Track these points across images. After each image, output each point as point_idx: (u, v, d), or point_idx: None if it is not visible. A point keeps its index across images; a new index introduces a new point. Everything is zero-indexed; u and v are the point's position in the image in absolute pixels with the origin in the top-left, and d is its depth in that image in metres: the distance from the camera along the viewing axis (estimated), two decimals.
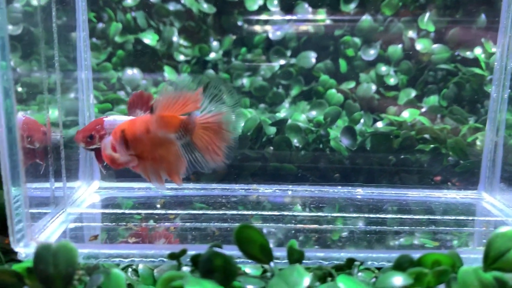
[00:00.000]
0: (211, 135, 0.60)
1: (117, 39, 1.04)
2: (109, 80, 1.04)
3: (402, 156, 0.78)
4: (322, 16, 1.03)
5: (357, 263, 0.46)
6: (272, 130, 0.82)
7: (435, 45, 0.98)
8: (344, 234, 0.56)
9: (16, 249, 0.48)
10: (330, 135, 0.84)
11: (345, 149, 0.80)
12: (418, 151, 0.81)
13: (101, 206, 0.65)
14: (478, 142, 0.81)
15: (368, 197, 0.69)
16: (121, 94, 1.03)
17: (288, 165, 0.74)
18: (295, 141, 0.81)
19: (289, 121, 0.82)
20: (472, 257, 0.47)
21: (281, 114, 0.95)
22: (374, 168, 0.76)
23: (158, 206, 0.65)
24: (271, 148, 0.79)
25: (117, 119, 0.65)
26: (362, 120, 0.98)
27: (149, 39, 1.05)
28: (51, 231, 0.56)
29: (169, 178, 0.59)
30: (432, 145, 0.82)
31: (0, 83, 0.48)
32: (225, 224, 0.58)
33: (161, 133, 0.58)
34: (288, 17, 1.05)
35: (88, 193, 0.70)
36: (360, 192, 0.71)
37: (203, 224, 0.58)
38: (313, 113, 0.97)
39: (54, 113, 0.70)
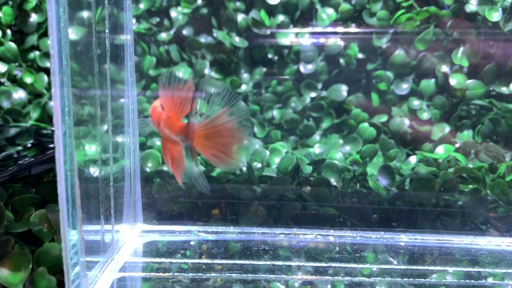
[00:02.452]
0: (215, 141, 0.60)
1: (151, 72, 1.06)
2: (143, 113, 1.05)
3: (443, 198, 0.77)
4: (354, 50, 1.04)
5: None
6: (308, 168, 0.82)
7: (470, 81, 0.97)
8: None
9: None
10: (367, 173, 0.84)
11: (384, 189, 0.80)
12: (458, 192, 0.80)
13: (145, 253, 0.66)
14: None
15: (412, 244, 0.69)
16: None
17: (329, 209, 0.74)
18: (333, 180, 0.81)
19: (326, 160, 0.82)
20: None
21: (315, 149, 0.95)
22: (415, 211, 0.75)
23: (203, 250, 0.65)
24: (309, 187, 0.78)
25: None
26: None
27: (181, 73, 1.06)
28: (101, 282, 0.57)
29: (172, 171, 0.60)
30: (471, 186, 0.81)
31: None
32: (272, 275, 0.58)
33: (166, 131, 0.60)
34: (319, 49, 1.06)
35: (131, 237, 0.70)
36: (403, 239, 0.70)
37: (250, 275, 0.58)
38: (347, 148, 0.97)
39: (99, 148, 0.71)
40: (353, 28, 1.04)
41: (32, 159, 0.72)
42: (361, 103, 1.04)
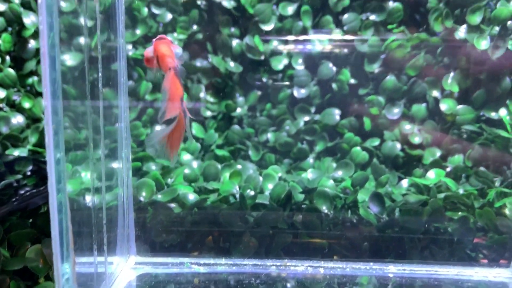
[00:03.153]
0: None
1: (147, 97, 1.08)
2: (138, 137, 1.07)
3: (431, 227, 0.78)
4: (346, 75, 1.06)
5: None
6: (301, 196, 0.84)
7: (460, 106, 0.99)
8: None
9: None
10: (358, 200, 0.85)
11: (374, 217, 0.81)
12: (447, 219, 0.81)
13: (139, 287, 0.67)
14: (507, 211, 0.81)
15: (400, 275, 0.70)
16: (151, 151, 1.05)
17: (320, 239, 0.75)
18: (324, 208, 0.82)
19: (318, 188, 0.84)
20: None
21: (308, 174, 0.96)
22: (404, 239, 0.76)
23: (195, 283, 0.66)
24: (300, 216, 0.80)
25: None
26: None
27: None
28: None
29: None
30: (460, 213, 0.82)
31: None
32: None
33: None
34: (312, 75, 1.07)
35: (125, 270, 0.71)
36: (392, 270, 0.72)
37: None
38: (340, 173, 0.98)
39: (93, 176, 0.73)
40: (345, 54, 1.06)
41: (33, 191, 0.73)
42: (353, 126, 1.06)
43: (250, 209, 0.81)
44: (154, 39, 0.73)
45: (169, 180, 0.94)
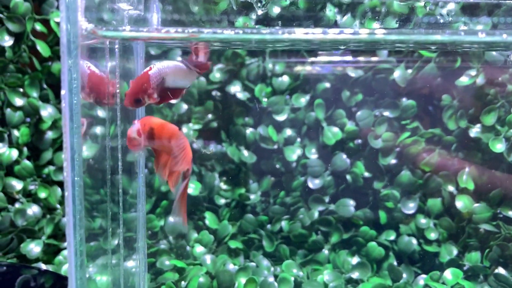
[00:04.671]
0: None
1: (163, 188, 1.08)
2: (152, 230, 1.07)
3: None
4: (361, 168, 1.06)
5: None
6: None
7: (476, 204, 0.98)
8: None
9: None
10: None
11: None
12: None
13: None
14: None
15: None
16: (163, 245, 1.05)
17: None
18: None
19: None
20: None
21: (324, 276, 0.95)
22: None
23: None
24: None
25: (162, 68, 0.67)
26: (404, 275, 0.98)
27: (192, 188, 1.08)
28: None
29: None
30: None
31: None
32: None
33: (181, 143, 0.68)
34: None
35: None
36: None
37: None
38: (356, 274, 0.97)
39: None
40: (358, 145, 1.06)
41: None
42: (368, 218, 1.05)
43: None
44: (136, 120, 0.70)
45: (183, 283, 0.93)
